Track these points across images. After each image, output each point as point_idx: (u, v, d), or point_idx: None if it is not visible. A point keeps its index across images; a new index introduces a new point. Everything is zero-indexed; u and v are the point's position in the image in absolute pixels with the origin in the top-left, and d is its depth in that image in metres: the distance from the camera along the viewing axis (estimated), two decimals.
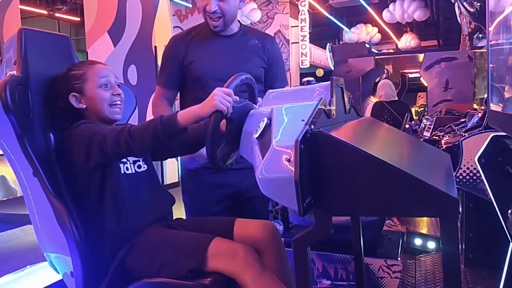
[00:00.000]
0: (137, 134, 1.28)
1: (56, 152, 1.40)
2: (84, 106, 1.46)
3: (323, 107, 1.13)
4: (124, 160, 1.44)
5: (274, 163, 1.01)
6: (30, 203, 1.44)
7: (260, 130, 1.17)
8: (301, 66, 11.93)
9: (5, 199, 4.44)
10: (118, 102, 1.48)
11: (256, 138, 1.18)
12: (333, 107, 1.20)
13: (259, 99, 1.49)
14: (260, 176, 1.03)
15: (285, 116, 1.16)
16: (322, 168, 1.00)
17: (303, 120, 1.05)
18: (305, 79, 1.37)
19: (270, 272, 1.31)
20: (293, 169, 0.95)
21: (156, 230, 1.41)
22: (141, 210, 1.43)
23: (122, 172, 1.43)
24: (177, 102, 2.06)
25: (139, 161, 1.49)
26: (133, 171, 1.46)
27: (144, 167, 1.50)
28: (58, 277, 1.49)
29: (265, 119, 1.19)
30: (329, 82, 1.26)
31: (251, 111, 1.33)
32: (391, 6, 11.50)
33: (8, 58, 1.43)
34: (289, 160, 0.99)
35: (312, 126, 1.02)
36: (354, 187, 1.00)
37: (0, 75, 1.44)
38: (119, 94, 1.49)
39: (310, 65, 12.19)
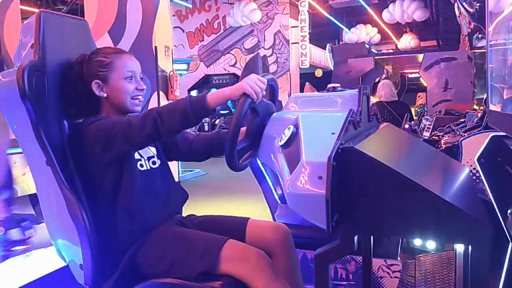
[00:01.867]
0: (166, 114, 1.25)
1: (70, 142, 1.37)
2: (105, 95, 1.41)
3: (352, 118, 1.12)
4: (139, 156, 1.42)
5: (305, 179, 0.99)
6: (42, 192, 1.41)
7: (286, 138, 1.14)
8: (301, 66, 11.93)
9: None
10: (140, 97, 1.46)
11: (281, 145, 1.15)
12: (360, 118, 1.18)
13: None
14: (288, 191, 1.01)
15: (312, 126, 1.13)
16: (352, 185, 0.98)
17: (333, 134, 1.02)
18: (330, 85, 1.34)
19: (282, 279, 1.30)
20: (324, 187, 0.94)
21: (169, 228, 1.40)
22: (154, 206, 1.41)
23: (137, 169, 1.40)
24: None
25: (153, 157, 1.47)
26: (148, 167, 1.44)
27: (158, 163, 1.48)
28: (62, 264, 1.47)
29: (291, 126, 1.15)
30: (357, 90, 1.24)
31: (274, 114, 1.30)
32: (390, 7, 11.51)
33: (25, 41, 1.38)
34: (320, 178, 0.96)
35: (343, 141, 1.00)
36: (383, 206, 0.98)
37: (16, 58, 1.40)
38: (142, 89, 1.46)
39: (310, 65, 12.19)
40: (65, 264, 1.46)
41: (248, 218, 1.52)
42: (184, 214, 1.59)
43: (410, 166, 1.16)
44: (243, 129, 1.32)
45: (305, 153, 1.02)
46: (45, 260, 2.21)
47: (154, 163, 1.46)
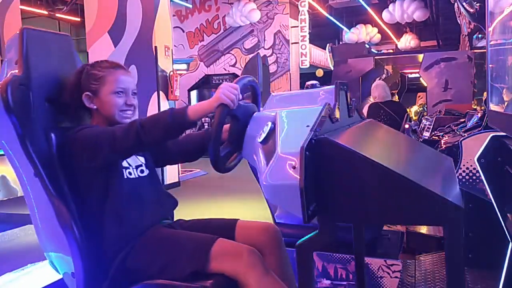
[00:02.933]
0: (148, 126, 1.27)
1: (58, 153, 1.40)
2: (95, 107, 1.46)
3: (328, 112, 1.13)
4: (127, 165, 1.44)
5: (279, 169, 1.01)
6: (31, 203, 1.44)
7: (264, 135, 1.17)
8: (301, 66, 11.93)
9: (6, 199, 4.44)
10: (129, 112, 1.48)
11: (260, 142, 1.18)
12: (337, 112, 1.20)
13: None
14: (264, 183, 1.03)
15: (289, 121, 1.16)
16: (327, 174, 1.00)
17: (308, 126, 1.05)
18: (309, 82, 1.38)
19: (274, 275, 1.31)
20: (298, 176, 0.95)
21: (157, 231, 1.41)
22: (143, 214, 1.43)
23: (125, 177, 1.42)
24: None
25: (141, 165, 1.50)
26: (136, 176, 1.46)
27: (146, 171, 1.50)
28: (59, 276, 1.49)
29: (269, 123, 1.18)
30: (334, 86, 1.26)
31: (255, 114, 1.33)
32: (390, 7, 11.50)
33: (10, 58, 1.42)
34: (294, 167, 0.99)
35: (317, 132, 1.02)
36: (359, 194, 1.00)
37: (1, 75, 1.43)
38: (132, 105, 1.49)
39: (310, 65, 12.19)
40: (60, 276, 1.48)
41: (237, 219, 1.53)
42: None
43: (385, 155, 1.19)
44: (227, 126, 1.35)
45: (280, 146, 1.05)
46: (42, 274, 2.22)
47: (142, 171, 1.49)
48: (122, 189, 1.40)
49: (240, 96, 1.29)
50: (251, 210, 4.48)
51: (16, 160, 1.38)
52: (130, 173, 1.44)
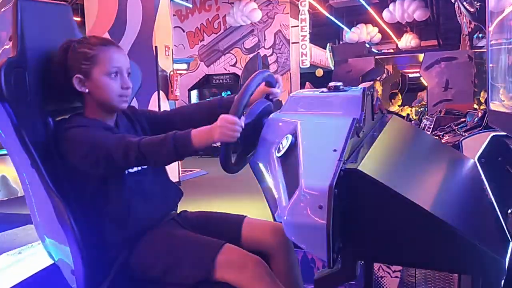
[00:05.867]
0: (149, 152, 1.21)
1: (56, 141, 1.29)
2: (87, 90, 1.31)
3: (356, 130, 1.05)
4: None
5: (303, 208, 0.91)
6: (29, 196, 1.35)
7: (284, 150, 1.08)
8: (302, 66, 11.92)
9: (6, 198, 4.44)
10: (126, 97, 1.37)
11: (279, 157, 1.09)
12: (364, 123, 1.11)
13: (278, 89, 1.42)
14: (286, 218, 0.94)
15: (312, 138, 1.05)
16: (355, 211, 0.92)
17: (335, 151, 0.95)
18: (331, 83, 1.25)
19: (281, 286, 1.26)
20: (325, 217, 0.87)
21: (163, 230, 1.35)
22: (147, 207, 1.36)
23: (127, 172, 1.34)
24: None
25: None
26: (139, 169, 1.37)
27: None
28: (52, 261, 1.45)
29: (290, 136, 1.09)
30: (361, 92, 1.16)
31: (272, 115, 1.25)
32: (391, 6, 11.49)
33: (2, 35, 1.30)
34: (320, 207, 0.89)
35: (345, 158, 0.93)
36: (388, 233, 0.92)
37: None
38: (128, 88, 1.35)
39: (310, 65, 12.18)
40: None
41: (244, 216, 1.48)
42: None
43: (418, 184, 1.09)
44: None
45: (304, 176, 0.94)
46: (36, 258, 2.18)
47: None
48: (124, 184, 1.33)
49: (241, 129, 1.18)
50: (251, 210, 4.47)
51: (13, 149, 1.28)
52: (131, 167, 1.36)
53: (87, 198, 1.32)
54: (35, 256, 2.13)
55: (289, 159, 1.06)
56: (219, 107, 1.44)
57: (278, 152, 1.10)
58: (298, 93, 1.31)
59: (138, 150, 1.20)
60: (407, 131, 1.50)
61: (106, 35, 6.17)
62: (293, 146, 1.07)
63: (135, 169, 1.36)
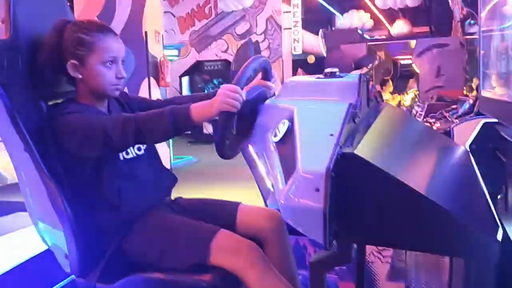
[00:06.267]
0: (146, 127, 1.20)
1: (49, 126, 1.29)
2: (80, 76, 1.31)
3: (352, 115, 1.06)
4: None
5: (300, 191, 0.92)
6: (22, 181, 1.36)
7: (281, 135, 1.09)
8: (294, 52, 11.86)
9: None
10: (119, 86, 1.36)
11: (275, 142, 1.10)
12: (359, 109, 1.12)
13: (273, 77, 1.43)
14: (283, 202, 0.95)
15: (309, 123, 1.06)
16: (352, 194, 0.93)
17: (331, 135, 0.96)
18: (327, 69, 1.25)
19: (275, 270, 1.27)
20: (321, 200, 0.89)
21: (157, 216, 1.36)
22: (141, 194, 1.37)
23: (121, 158, 1.35)
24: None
25: None
26: (134, 155, 1.38)
27: (143, 147, 1.43)
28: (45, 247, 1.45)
29: (286, 122, 1.09)
30: (357, 78, 1.17)
31: (267, 102, 1.25)
32: None
33: None
34: (317, 190, 0.90)
35: (342, 145, 0.94)
36: (387, 217, 0.93)
37: None
38: (122, 78, 1.35)
39: (303, 51, 12.12)
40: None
41: (239, 203, 1.49)
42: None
43: (415, 172, 1.10)
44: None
45: (301, 160, 0.96)
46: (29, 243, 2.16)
47: (139, 149, 1.41)
48: (119, 170, 1.34)
49: (242, 99, 1.18)
50: (243, 196, 4.48)
51: (5, 132, 1.28)
52: (127, 153, 1.37)
53: (81, 183, 1.32)
54: (28, 241, 2.12)
55: (286, 144, 1.06)
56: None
57: (274, 137, 1.10)
58: (294, 79, 1.31)
59: (136, 125, 1.19)
60: (400, 118, 1.52)
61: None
62: (290, 131, 1.07)
63: (130, 155, 1.37)
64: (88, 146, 1.25)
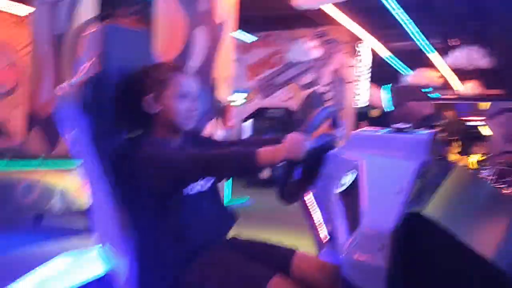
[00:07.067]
0: (216, 166, 1.27)
1: (127, 155, 1.38)
2: (157, 110, 1.43)
3: (422, 175, 1.04)
4: None
5: (364, 247, 0.91)
6: (95, 203, 1.44)
7: (345, 186, 1.08)
8: (355, 106, 11.83)
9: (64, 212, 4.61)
10: (192, 120, 1.47)
11: (339, 193, 1.10)
12: (429, 169, 1.10)
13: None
14: (344, 255, 0.94)
15: (376, 177, 1.04)
16: (417, 255, 0.91)
17: (398, 192, 0.95)
18: (397, 125, 1.24)
19: None
20: (385, 260, 0.87)
21: (218, 253, 1.39)
22: (204, 228, 1.42)
23: (185, 193, 1.41)
24: None
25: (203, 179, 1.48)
26: (197, 191, 1.44)
27: (208, 185, 1.48)
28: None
29: (351, 174, 1.09)
30: (428, 135, 1.16)
31: (333, 151, 1.27)
32: (454, 52, 11.25)
33: (88, 54, 1.42)
34: (381, 248, 0.89)
35: (409, 205, 0.93)
36: (451, 282, 0.90)
37: (78, 70, 1.43)
38: (195, 110, 1.45)
39: (366, 104, 12.05)
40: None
41: (295, 250, 1.50)
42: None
43: (480, 234, 1.05)
44: None
45: (366, 216, 0.94)
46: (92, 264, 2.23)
47: (202, 186, 1.47)
48: (182, 206, 1.40)
49: (310, 144, 1.21)
50: (294, 242, 4.37)
51: (87, 157, 1.38)
52: (191, 189, 1.43)
53: (148, 214, 1.39)
54: (91, 262, 2.20)
55: (350, 196, 1.05)
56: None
57: (339, 187, 1.10)
58: (361, 131, 1.31)
59: (206, 163, 1.26)
60: (471, 180, 1.46)
61: None
62: (355, 183, 1.06)
63: (195, 190, 1.43)
64: (160, 179, 1.32)
